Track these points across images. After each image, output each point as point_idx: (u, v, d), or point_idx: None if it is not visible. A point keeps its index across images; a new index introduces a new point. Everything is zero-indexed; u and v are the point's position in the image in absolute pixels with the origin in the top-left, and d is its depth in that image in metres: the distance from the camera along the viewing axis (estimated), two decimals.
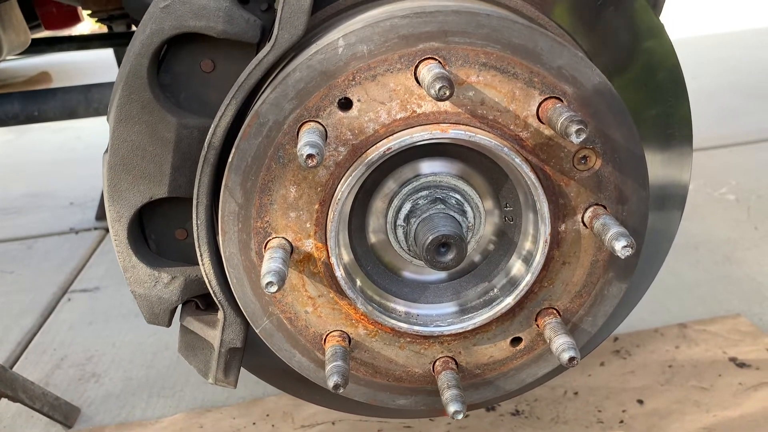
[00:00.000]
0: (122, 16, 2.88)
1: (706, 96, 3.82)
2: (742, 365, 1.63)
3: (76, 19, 2.80)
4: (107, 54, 3.69)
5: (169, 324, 1.09)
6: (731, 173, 2.78)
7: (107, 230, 2.76)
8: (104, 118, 1.17)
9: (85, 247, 2.71)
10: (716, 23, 6.08)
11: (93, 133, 4.25)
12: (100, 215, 2.94)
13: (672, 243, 1.25)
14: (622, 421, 1.49)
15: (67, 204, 3.19)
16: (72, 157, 3.94)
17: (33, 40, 2.69)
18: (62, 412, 1.66)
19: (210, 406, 1.67)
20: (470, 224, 0.98)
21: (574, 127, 0.82)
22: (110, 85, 1.99)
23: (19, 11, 2.34)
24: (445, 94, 0.79)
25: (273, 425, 1.57)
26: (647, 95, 1.15)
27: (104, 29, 3.56)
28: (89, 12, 2.60)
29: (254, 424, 1.58)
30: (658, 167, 1.17)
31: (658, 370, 1.64)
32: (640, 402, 1.54)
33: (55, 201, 3.24)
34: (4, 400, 1.60)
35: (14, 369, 1.90)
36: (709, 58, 4.79)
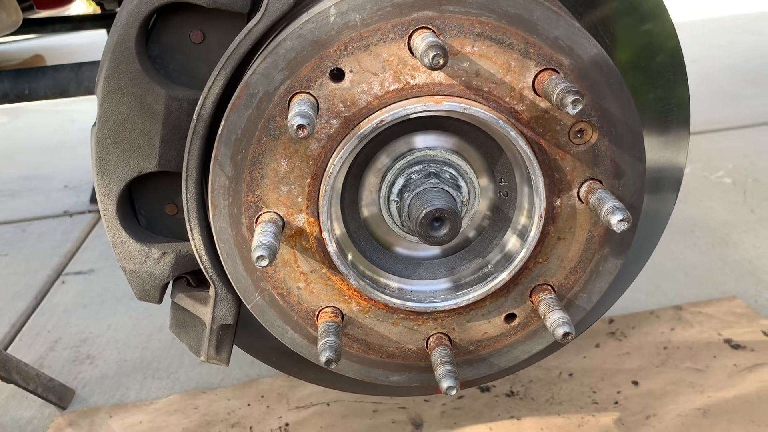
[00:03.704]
0: None
1: (704, 79, 3.80)
2: (737, 347, 1.62)
3: None
4: (101, 37, 3.65)
5: (159, 301, 1.08)
6: (728, 157, 2.77)
7: None
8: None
9: (80, 229, 2.70)
10: (716, 7, 6.05)
11: (88, 116, 4.21)
12: (95, 198, 2.92)
13: (666, 224, 1.24)
14: (616, 402, 1.49)
15: (61, 187, 3.17)
16: (66, 140, 3.91)
17: (25, 20, 2.65)
18: (56, 393, 1.65)
19: (205, 388, 1.66)
20: (464, 199, 0.97)
21: (570, 98, 0.80)
22: None
23: None
24: (438, 62, 0.77)
25: (268, 406, 1.56)
26: (646, 78, 1.13)
27: (98, 11, 3.53)
28: None
29: (249, 405, 1.57)
30: (655, 150, 1.16)
31: (653, 351, 1.63)
32: (635, 383, 1.54)
33: (49, 184, 3.22)
34: None
35: (8, 351, 1.88)
36: (708, 41, 4.76)
